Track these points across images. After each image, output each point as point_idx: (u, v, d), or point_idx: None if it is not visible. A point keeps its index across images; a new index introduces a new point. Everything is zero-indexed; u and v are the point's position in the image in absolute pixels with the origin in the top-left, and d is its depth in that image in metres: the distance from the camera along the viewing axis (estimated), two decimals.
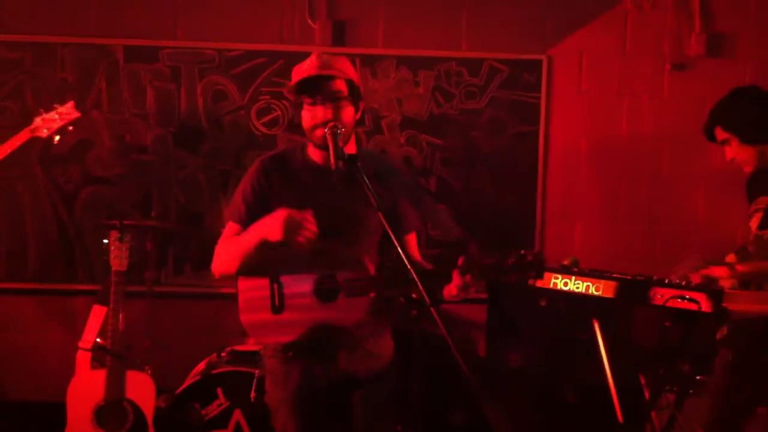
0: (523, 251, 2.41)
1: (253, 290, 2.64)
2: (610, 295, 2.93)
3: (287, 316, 2.61)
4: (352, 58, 2.90)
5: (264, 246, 2.51)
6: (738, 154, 3.21)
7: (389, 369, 2.83)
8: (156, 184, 4.59)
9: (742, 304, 2.81)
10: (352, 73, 2.68)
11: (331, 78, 2.60)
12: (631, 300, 2.92)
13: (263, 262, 2.59)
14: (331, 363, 2.70)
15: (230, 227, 2.69)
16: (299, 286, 2.61)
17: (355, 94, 2.66)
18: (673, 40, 4.70)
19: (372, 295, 2.60)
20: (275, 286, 2.62)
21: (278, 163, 2.74)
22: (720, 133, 3.22)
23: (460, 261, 2.44)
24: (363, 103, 2.72)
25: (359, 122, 2.76)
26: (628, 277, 2.99)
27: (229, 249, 2.64)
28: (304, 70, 2.63)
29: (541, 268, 2.40)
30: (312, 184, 2.69)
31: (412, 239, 2.84)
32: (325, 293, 2.59)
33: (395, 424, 3.73)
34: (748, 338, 2.97)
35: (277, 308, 2.61)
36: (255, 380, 3.57)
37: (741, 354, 3.09)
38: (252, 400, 3.58)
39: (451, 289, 2.47)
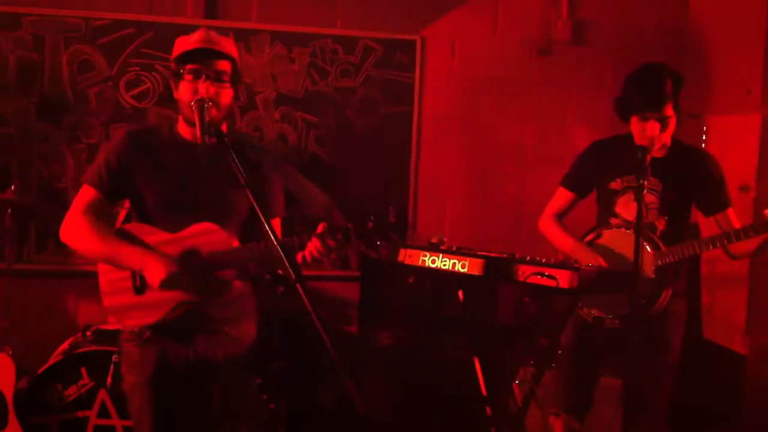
0: (384, 213, 2.39)
1: (114, 271, 2.58)
2: (477, 272, 3.02)
3: (150, 296, 2.55)
4: (225, 31, 2.87)
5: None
6: (667, 135, 3.18)
7: (249, 354, 2.78)
8: (16, 157, 4.38)
9: None
10: (236, 54, 2.65)
11: (218, 57, 2.56)
12: (497, 277, 3.00)
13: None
14: (189, 346, 2.64)
15: (86, 191, 2.62)
16: None
17: (236, 76, 2.64)
18: (541, 25, 4.86)
19: (233, 272, 2.57)
20: None
21: (145, 138, 2.66)
22: (669, 110, 3.13)
23: (321, 227, 2.41)
24: (241, 86, 2.68)
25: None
26: (494, 255, 3.08)
27: (93, 241, 2.57)
28: (190, 42, 2.57)
29: (404, 229, 2.39)
30: (177, 161, 2.63)
31: (276, 225, 2.79)
32: (189, 269, 2.52)
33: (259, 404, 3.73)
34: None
35: (139, 288, 2.56)
36: (112, 365, 3.50)
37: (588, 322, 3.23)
38: (108, 386, 3.52)
39: (312, 252, 2.43)
